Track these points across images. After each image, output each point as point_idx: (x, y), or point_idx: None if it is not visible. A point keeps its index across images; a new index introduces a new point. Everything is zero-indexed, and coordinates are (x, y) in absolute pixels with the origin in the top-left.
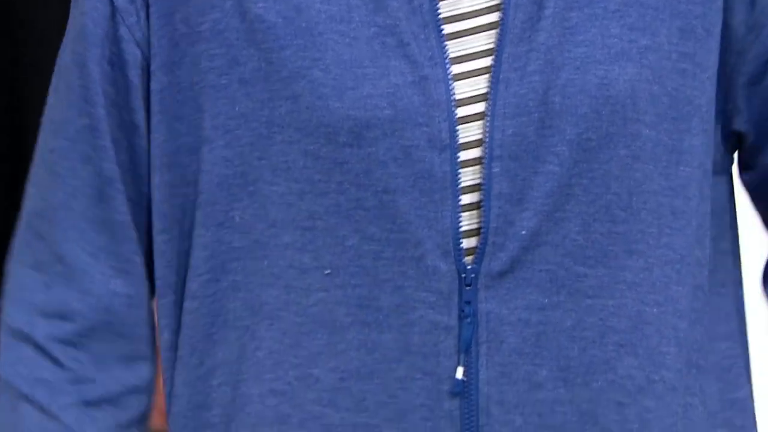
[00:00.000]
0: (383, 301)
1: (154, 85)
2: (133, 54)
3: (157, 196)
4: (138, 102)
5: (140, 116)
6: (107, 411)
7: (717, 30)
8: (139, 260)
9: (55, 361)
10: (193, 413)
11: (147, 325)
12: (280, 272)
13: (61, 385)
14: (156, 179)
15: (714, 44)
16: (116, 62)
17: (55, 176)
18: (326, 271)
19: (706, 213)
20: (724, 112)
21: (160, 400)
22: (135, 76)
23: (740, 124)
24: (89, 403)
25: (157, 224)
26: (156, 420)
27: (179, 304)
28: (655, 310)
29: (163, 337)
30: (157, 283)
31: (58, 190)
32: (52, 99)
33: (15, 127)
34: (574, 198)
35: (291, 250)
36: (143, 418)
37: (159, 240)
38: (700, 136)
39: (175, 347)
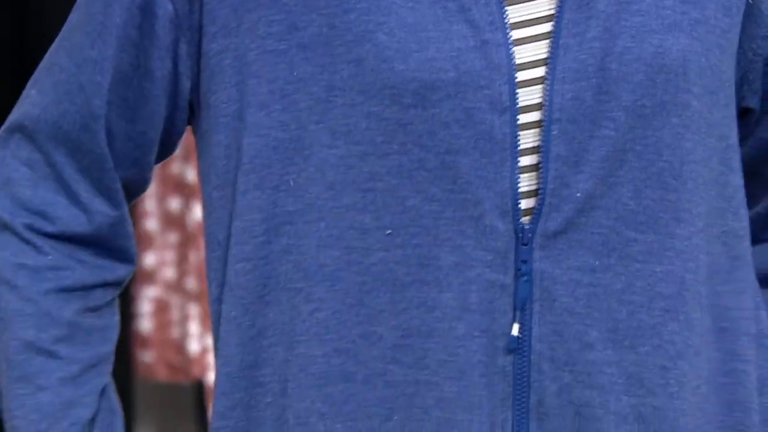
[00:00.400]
0: (443, 260)
1: (212, 46)
2: (163, 8)
3: (215, 152)
4: (157, 52)
5: (156, 64)
6: (80, 297)
7: (742, 11)
8: (118, 188)
9: (37, 249)
10: (245, 373)
11: (127, 238)
12: (340, 233)
13: (41, 271)
14: (213, 138)
15: (738, 23)
16: (146, 11)
17: (56, 93)
18: (387, 231)
19: (739, 185)
20: (740, 90)
21: (167, 352)
22: (161, 28)
23: (753, 102)
24: (65, 290)
25: (214, 180)
26: (161, 372)
27: (225, 261)
28: (691, 277)
29: (210, 290)
30: (208, 236)
31: (55, 106)
32: (74, 15)
33: None
34: (627, 163)
35: (351, 212)
36: (112, 304)
37: (214, 196)
38: (723, 110)
39: (220, 301)
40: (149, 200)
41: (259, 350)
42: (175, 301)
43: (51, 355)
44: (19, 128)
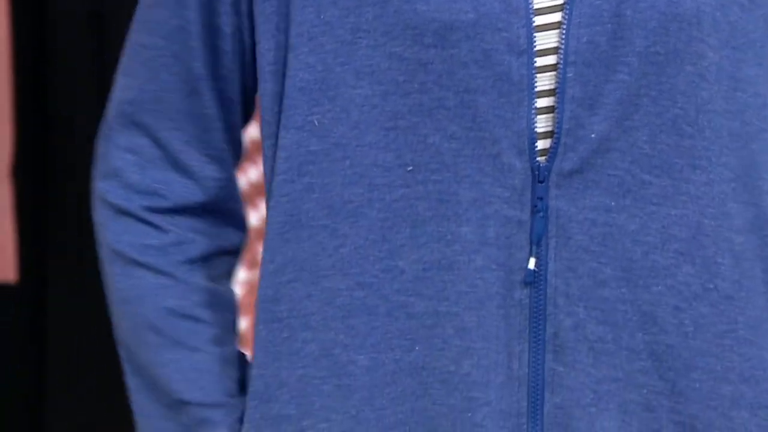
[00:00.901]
0: (462, 196)
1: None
2: None
3: (264, 103)
4: (224, 7)
5: (224, 20)
6: (205, 267)
7: None
8: (228, 149)
9: (157, 228)
10: (265, 306)
11: (237, 200)
12: (363, 171)
13: (166, 248)
14: (262, 87)
15: None
16: None
17: (149, 70)
18: (408, 168)
19: None
20: None
21: None
22: None
23: None
24: (191, 261)
25: (264, 130)
26: None
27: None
28: (713, 223)
29: None
30: (266, 187)
31: (152, 83)
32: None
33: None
34: (642, 108)
35: (374, 150)
36: (230, 275)
37: (265, 146)
38: (755, 68)
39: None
40: None
41: (277, 286)
42: None
43: (195, 319)
44: (119, 116)
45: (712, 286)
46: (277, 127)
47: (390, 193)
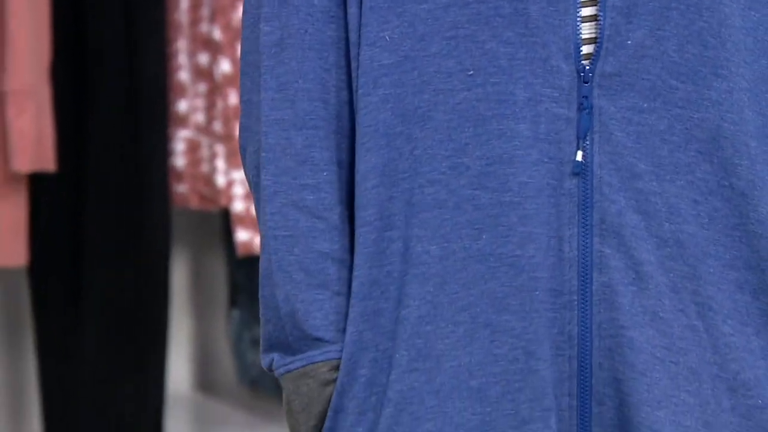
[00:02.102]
0: (518, 96)
1: None
2: None
3: (350, 26)
4: None
5: None
6: (347, 210)
7: None
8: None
9: (315, 166)
10: (357, 213)
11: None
12: (429, 78)
13: (321, 188)
14: (349, 12)
15: None
16: None
17: (286, 7)
18: (469, 73)
19: None
20: None
21: (198, 185)
22: None
23: None
24: (341, 202)
25: (352, 52)
26: (194, 201)
27: None
28: (731, 127)
29: None
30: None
31: (293, 16)
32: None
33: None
34: (672, 20)
35: (438, 58)
36: None
37: (352, 68)
38: None
39: None
40: (182, 55)
41: (363, 193)
42: (204, 141)
43: (343, 263)
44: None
45: (727, 183)
46: (358, 47)
47: (453, 96)
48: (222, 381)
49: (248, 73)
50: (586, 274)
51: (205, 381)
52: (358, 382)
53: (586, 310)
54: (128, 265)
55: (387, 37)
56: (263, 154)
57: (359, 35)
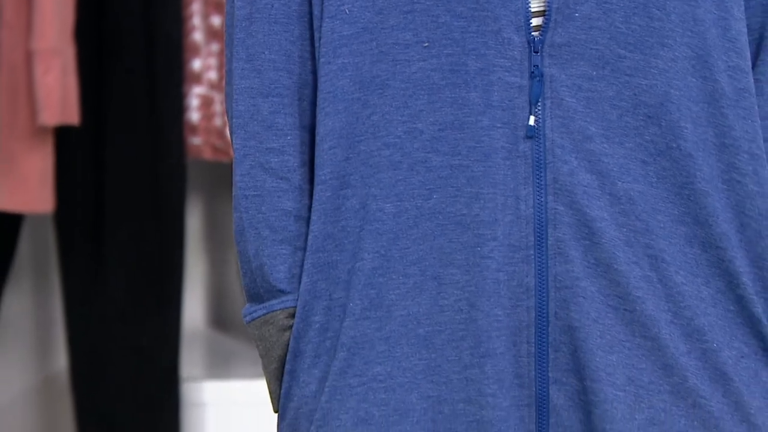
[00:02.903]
0: (470, 66)
1: None
2: None
3: (314, 1)
4: None
5: None
6: (309, 171)
7: None
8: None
9: (279, 131)
10: (315, 173)
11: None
12: (387, 49)
13: (286, 151)
14: None
15: None
16: None
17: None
18: (425, 44)
19: (741, 30)
20: None
21: (211, 137)
22: None
23: None
24: (303, 164)
25: (314, 24)
26: (207, 153)
27: None
28: (677, 93)
29: None
30: None
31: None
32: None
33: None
34: None
35: (395, 30)
36: None
37: (315, 39)
38: None
39: None
40: (196, 17)
41: (321, 153)
42: (217, 97)
43: (306, 221)
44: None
45: (675, 145)
46: (320, 20)
47: (410, 66)
48: (233, 318)
49: (229, 45)
50: (542, 230)
51: (218, 318)
52: (312, 328)
53: (543, 263)
54: (147, 211)
55: (347, 10)
56: (234, 120)
57: (321, 9)
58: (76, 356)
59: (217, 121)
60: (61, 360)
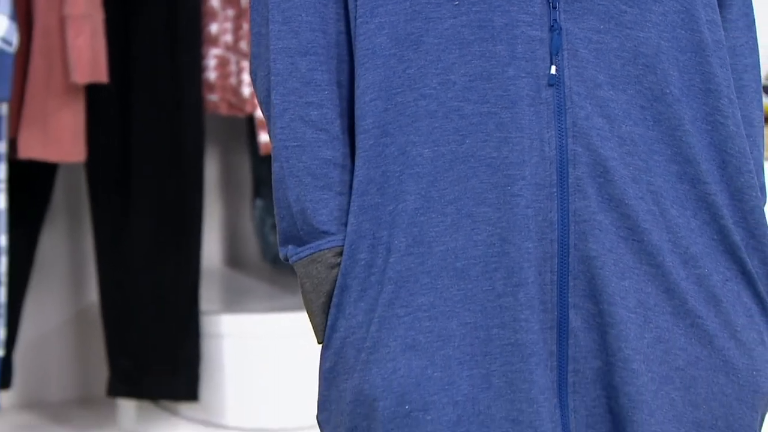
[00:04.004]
0: (496, 22)
1: None
2: None
3: None
4: None
5: None
6: (346, 121)
7: None
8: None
9: (318, 86)
10: (357, 123)
11: None
12: (420, 8)
13: (324, 104)
14: None
15: None
16: None
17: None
18: (455, 3)
19: None
20: None
21: (227, 94)
22: None
23: None
24: (341, 115)
25: None
26: (224, 108)
27: None
28: (667, 44)
29: None
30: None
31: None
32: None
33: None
34: None
35: None
36: None
37: (349, 2)
38: None
39: None
40: None
41: (362, 105)
42: (232, 58)
43: (344, 168)
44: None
45: (668, 91)
46: None
47: (441, 23)
48: (248, 258)
49: (257, 9)
50: (563, 170)
51: (234, 258)
52: (358, 265)
53: (564, 199)
54: (169, 161)
55: None
56: (273, 78)
57: None
58: (105, 291)
59: (232, 80)
60: (92, 295)
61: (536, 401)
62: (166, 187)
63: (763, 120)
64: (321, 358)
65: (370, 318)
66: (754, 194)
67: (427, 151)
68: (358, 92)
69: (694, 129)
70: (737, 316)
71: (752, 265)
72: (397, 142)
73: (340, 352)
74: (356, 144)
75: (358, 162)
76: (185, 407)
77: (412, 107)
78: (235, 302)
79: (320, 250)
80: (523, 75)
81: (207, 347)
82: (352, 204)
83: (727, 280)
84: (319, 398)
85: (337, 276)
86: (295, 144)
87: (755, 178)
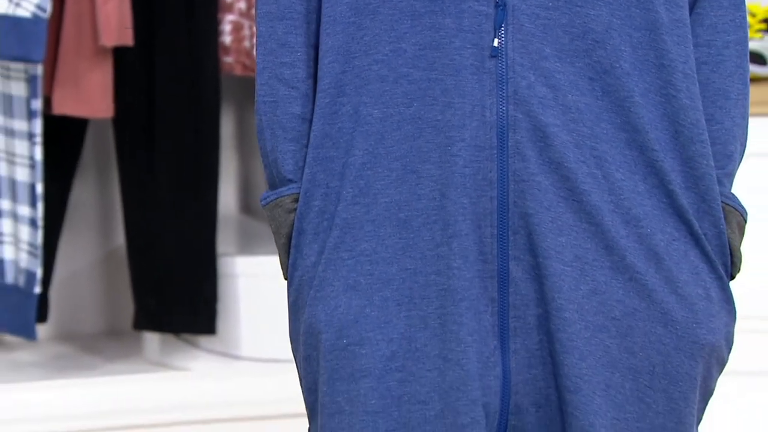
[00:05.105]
0: None
1: None
2: None
3: None
4: None
5: None
6: (313, 82)
7: None
8: None
9: (291, 48)
10: (317, 83)
11: None
12: None
13: (297, 65)
14: None
15: None
16: None
17: None
18: None
19: None
20: None
21: (241, 57)
22: None
23: None
24: (310, 76)
25: None
26: (238, 69)
27: None
28: (619, 21)
29: None
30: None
31: None
32: None
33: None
34: None
35: None
36: None
37: None
38: None
39: None
40: None
41: (322, 67)
42: (245, 23)
43: (309, 122)
44: None
45: (617, 65)
46: None
47: None
48: (259, 205)
49: None
50: (503, 134)
51: (247, 205)
52: (312, 211)
53: (504, 161)
54: (189, 117)
55: None
56: (256, 39)
57: None
58: (131, 236)
59: (246, 44)
60: (120, 239)
61: (464, 341)
62: (186, 140)
63: (744, 93)
64: (287, 293)
65: (320, 259)
66: (706, 162)
67: (376, 111)
68: (320, 55)
69: (645, 101)
70: (680, 273)
71: (703, 227)
72: (351, 102)
73: (298, 288)
74: (315, 101)
75: (315, 117)
76: (204, 340)
77: (366, 71)
78: (248, 245)
79: (281, 196)
80: (468, 46)
81: (223, 286)
82: (308, 155)
83: (674, 240)
84: (289, 330)
85: (293, 220)
86: (271, 99)
87: (708, 147)
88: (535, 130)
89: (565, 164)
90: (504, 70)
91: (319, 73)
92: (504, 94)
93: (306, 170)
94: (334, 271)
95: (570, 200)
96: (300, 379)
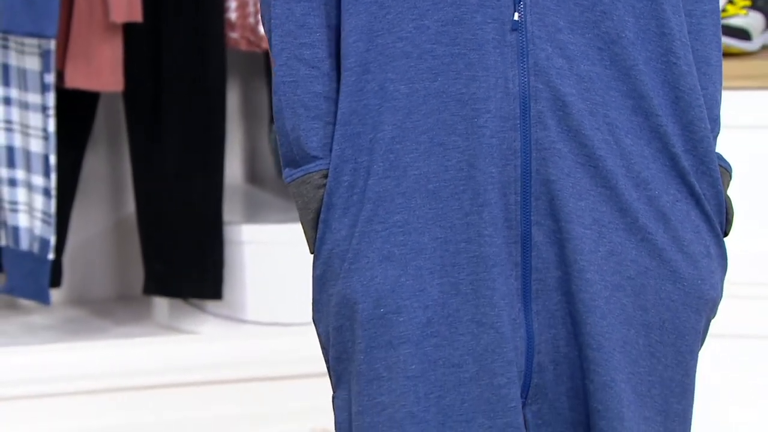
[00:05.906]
0: None
1: None
2: None
3: None
4: None
5: None
6: (335, 59)
7: None
8: None
9: (310, 29)
10: (342, 62)
11: None
12: None
13: (317, 45)
14: None
15: None
16: None
17: None
18: None
19: None
20: None
21: (246, 32)
22: None
23: None
24: (331, 55)
25: None
26: (243, 44)
27: None
28: None
29: None
30: None
31: None
32: None
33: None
34: None
35: None
36: None
37: None
38: None
39: None
40: None
41: (346, 46)
42: (250, 0)
43: (333, 101)
44: None
45: (623, 35)
46: None
47: None
48: (265, 175)
49: None
50: (526, 104)
51: (252, 175)
52: (342, 186)
53: (526, 130)
54: (196, 91)
55: None
56: (272, 21)
57: None
58: (141, 204)
59: (251, 20)
60: (130, 207)
61: (498, 305)
62: (194, 113)
63: (721, 59)
64: (313, 266)
65: (352, 232)
66: (704, 125)
67: (403, 87)
68: (343, 34)
69: (648, 69)
70: (685, 232)
71: (701, 187)
72: (377, 79)
73: (327, 261)
74: (341, 80)
75: (341, 96)
76: (211, 304)
77: (391, 48)
78: (254, 214)
79: (309, 173)
80: (490, 21)
81: (230, 253)
82: (336, 132)
83: (677, 201)
84: (312, 301)
85: (323, 195)
86: (291, 80)
87: (704, 111)
88: (555, 99)
89: (583, 132)
90: (524, 43)
91: (343, 52)
92: (525, 66)
93: (335, 146)
94: (369, 243)
95: (587, 166)
96: (324, 348)
